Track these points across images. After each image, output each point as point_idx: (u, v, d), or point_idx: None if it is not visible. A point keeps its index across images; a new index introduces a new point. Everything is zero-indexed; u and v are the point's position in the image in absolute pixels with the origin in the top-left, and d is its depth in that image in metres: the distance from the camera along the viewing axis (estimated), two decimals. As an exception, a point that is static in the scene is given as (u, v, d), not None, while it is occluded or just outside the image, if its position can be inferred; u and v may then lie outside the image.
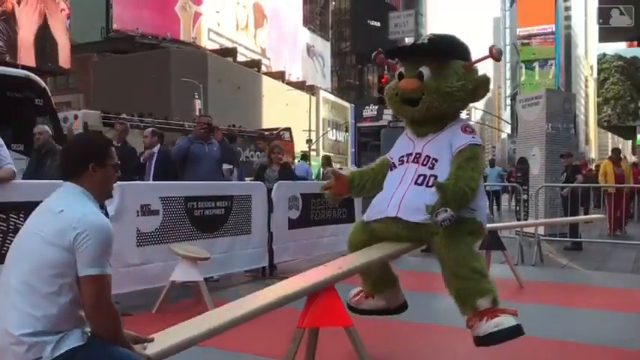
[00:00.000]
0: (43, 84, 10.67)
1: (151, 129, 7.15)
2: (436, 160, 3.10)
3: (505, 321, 2.91)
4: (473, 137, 3.10)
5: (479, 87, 3.17)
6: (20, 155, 7.87)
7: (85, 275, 1.96)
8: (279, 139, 24.77)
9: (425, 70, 3.11)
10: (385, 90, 3.40)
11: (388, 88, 3.35)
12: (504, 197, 17.06)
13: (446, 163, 3.06)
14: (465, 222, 2.97)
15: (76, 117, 17.47)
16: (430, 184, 3.02)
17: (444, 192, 2.85)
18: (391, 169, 3.30)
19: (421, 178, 3.09)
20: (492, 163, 16.17)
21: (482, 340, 2.91)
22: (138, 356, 2.09)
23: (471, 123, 3.30)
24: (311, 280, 2.79)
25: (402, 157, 3.25)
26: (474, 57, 3.27)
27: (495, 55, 3.17)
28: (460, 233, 2.95)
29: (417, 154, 3.18)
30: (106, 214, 4.41)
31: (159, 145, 6.61)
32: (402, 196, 3.07)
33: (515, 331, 2.92)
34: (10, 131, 6.06)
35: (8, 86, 9.78)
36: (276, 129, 28.07)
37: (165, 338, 2.31)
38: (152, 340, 2.24)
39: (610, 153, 12.62)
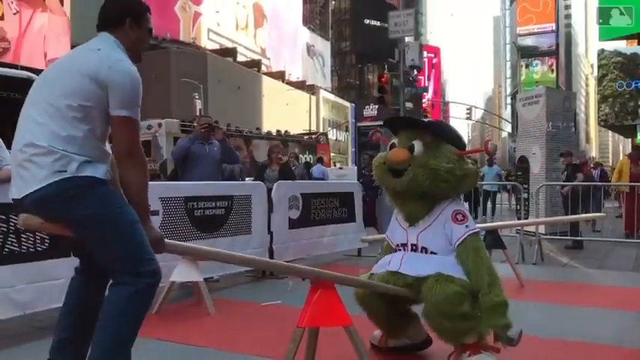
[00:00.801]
0: None
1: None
2: (425, 249, 3.16)
3: None
4: (467, 226, 3.10)
5: (467, 176, 3.17)
6: None
7: (117, 115, 2.07)
8: (317, 142, 27.66)
9: (417, 144, 3.12)
10: (374, 160, 3.38)
11: (378, 157, 3.36)
12: (503, 197, 16.89)
13: (447, 254, 3.10)
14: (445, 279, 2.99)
15: (160, 125, 18.76)
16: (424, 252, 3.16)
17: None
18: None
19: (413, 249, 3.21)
20: (490, 162, 15.97)
21: None
22: (144, 235, 2.16)
23: (461, 208, 3.23)
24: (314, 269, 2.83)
25: (398, 246, 3.29)
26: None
27: (490, 150, 3.24)
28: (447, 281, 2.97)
29: (412, 245, 3.21)
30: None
31: None
32: (402, 257, 3.16)
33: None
34: (12, 133, 6.06)
35: (10, 87, 9.80)
36: (314, 133, 31.42)
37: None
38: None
39: (631, 150, 12.36)
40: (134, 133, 2.11)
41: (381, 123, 3.61)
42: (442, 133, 3.23)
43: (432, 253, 3.13)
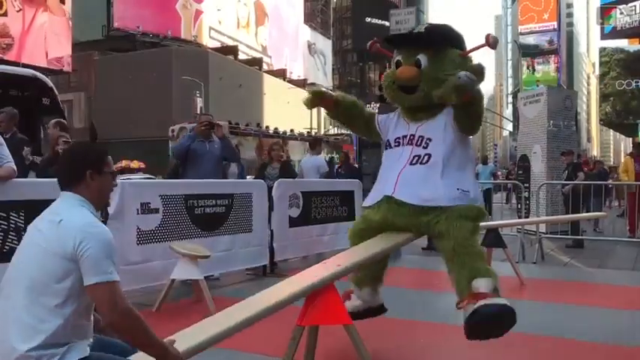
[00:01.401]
0: (50, 83, 10.73)
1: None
2: (430, 140, 3.13)
3: (498, 300, 2.85)
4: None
5: (475, 75, 3.13)
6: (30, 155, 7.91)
7: (91, 284, 1.94)
8: (343, 142, 29.25)
9: (422, 58, 3.12)
10: (383, 77, 3.41)
11: (386, 76, 3.36)
12: (499, 196, 16.65)
13: (440, 142, 3.10)
14: (464, 208, 2.98)
15: None
16: (424, 161, 3.08)
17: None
18: (386, 149, 3.35)
19: (415, 158, 3.13)
20: (485, 160, 15.67)
21: (470, 318, 2.82)
22: None
23: None
24: (310, 281, 2.78)
25: (398, 138, 3.27)
26: (469, 46, 3.29)
27: (491, 42, 3.17)
28: (461, 218, 2.95)
29: (411, 135, 3.21)
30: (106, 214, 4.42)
31: None
32: (398, 177, 3.11)
33: (507, 310, 2.85)
34: (19, 131, 6.11)
35: (16, 85, 9.83)
36: (340, 134, 33.50)
37: (186, 338, 2.28)
38: (173, 341, 2.17)
39: (631, 148, 12.21)
40: (115, 295, 1.96)
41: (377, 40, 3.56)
42: (443, 39, 3.20)
43: (427, 139, 3.12)
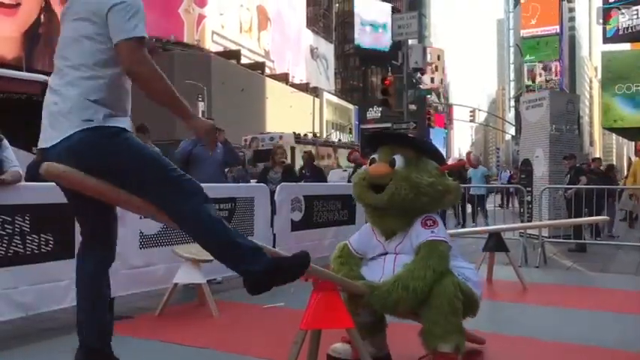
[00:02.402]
0: None
1: None
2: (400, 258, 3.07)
3: None
4: (432, 232, 2.99)
5: (448, 192, 3.11)
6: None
7: (117, 41, 2.15)
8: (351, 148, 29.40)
9: (398, 159, 3.06)
10: (353, 177, 3.31)
11: (356, 175, 3.27)
12: (494, 200, 16.15)
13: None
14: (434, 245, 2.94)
15: (280, 137, 23.01)
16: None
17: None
18: (370, 260, 3.22)
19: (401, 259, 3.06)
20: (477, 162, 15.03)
21: None
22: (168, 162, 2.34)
23: (433, 215, 3.12)
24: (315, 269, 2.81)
25: (374, 257, 3.18)
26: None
27: (473, 162, 3.17)
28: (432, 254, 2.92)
29: (384, 253, 3.14)
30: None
31: None
32: (394, 261, 3.06)
33: None
34: (30, 135, 6.16)
35: (27, 90, 9.96)
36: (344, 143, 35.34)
37: None
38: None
39: (635, 152, 12.02)
40: (138, 50, 2.18)
41: (372, 134, 3.51)
42: (423, 148, 3.19)
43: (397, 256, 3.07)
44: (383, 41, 61.87)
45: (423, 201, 3.03)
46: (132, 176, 2.23)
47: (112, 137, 2.19)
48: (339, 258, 3.26)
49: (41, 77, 10.64)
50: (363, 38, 64.96)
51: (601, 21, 28.00)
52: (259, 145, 25.29)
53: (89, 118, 2.15)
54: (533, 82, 65.83)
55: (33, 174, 5.64)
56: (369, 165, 3.19)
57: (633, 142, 37.73)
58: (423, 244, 2.96)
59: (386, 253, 3.14)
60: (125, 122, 2.28)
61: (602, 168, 13.01)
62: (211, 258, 4.64)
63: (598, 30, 34.05)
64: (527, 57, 65.30)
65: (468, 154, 3.05)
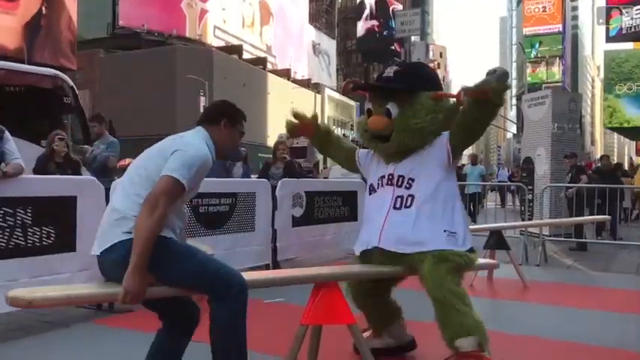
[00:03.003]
0: (71, 82, 10.89)
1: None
2: (412, 180, 3.04)
3: None
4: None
5: (451, 115, 3.07)
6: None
7: (162, 175, 2.25)
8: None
9: (392, 107, 3.04)
10: (356, 124, 3.36)
11: (358, 123, 3.33)
12: (489, 198, 15.95)
13: (423, 181, 3.01)
14: (449, 254, 2.89)
15: None
16: (408, 204, 3.00)
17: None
18: (370, 193, 3.24)
19: (398, 200, 3.04)
20: (474, 160, 14.42)
21: None
22: (218, 262, 2.43)
23: None
24: (317, 270, 2.86)
25: (380, 178, 3.18)
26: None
27: (461, 98, 3.01)
28: (444, 264, 2.86)
29: (389, 175, 3.12)
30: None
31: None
32: (382, 225, 3.03)
33: None
34: (40, 129, 6.20)
35: (38, 84, 10.00)
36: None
37: None
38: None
39: (636, 153, 12.01)
40: (170, 192, 2.24)
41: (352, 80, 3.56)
42: (412, 85, 3.07)
43: (410, 179, 3.03)
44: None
45: (429, 138, 3.06)
46: (179, 280, 2.33)
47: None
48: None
49: (51, 71, 10.69)
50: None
51: (601, 21, 27.92)
52: (293, 143, 25.72)
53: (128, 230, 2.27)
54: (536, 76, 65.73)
55: (37, 168, 5.66)
56: (367, 115, 3.22)
57: (634, 142, 37.76)
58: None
59: (384, 176, 3.14)
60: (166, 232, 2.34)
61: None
62: (212, 252, 4.66)
63: (601, 29, 33.96)
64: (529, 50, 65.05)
65: (460, 92, 2.93)
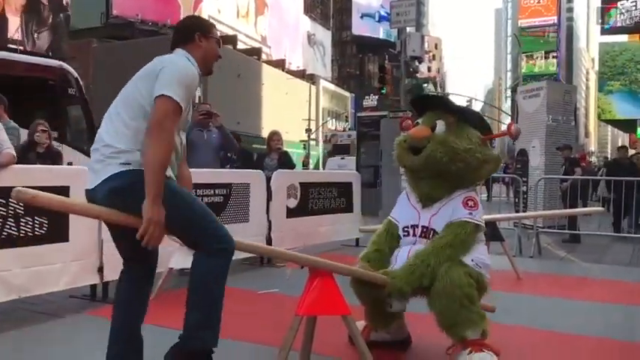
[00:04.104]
0: (76, 74, 10.89)
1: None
2: (436, 232, 3.08)
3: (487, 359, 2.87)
4: (469, 213, 3.04)
5: (487, 162, 3.12)
6: (56, 142, 7.98)
7: (156, 95, 2.22)
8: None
9: (440, 124, 3.10)
10: (396, 139, 3.32)
11: (401, 136, 3.30)
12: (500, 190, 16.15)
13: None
14: (464, 263, 2.96)
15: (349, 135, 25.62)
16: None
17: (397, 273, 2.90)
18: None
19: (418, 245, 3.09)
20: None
21: None
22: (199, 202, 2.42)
23: (474, 195, 3.16)
24: (313, 258, 2.84)
25: (407, 227, 3.19)
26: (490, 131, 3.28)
27: (513, 132, 3.16)
28: (461, 270, 2.92)
29: (423, 227, 3.13)
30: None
31: None
32: (408, 252, 3.06)
33: None
34: (45, 119, 6.18)
35: (43, 75, 9.99)
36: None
37: None
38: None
39: (629, 144, 12.01)
40: (170, 113, 2.21)
41: (401, 111, 3.58)
42: (467, 116, 3.19)
43: (434, 232, 3.07)
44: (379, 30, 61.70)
45: (458, 166, 3.04)
46: (168, 221, 2.29)
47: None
48: (375, 243, 3.32)
49: (56, 62, 10.69)
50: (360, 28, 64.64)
51: (600, 21, 28.00)
52: (338, 141, 30.12)
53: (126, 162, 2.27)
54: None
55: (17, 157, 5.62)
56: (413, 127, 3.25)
57: (628, 134, 37.89)
58: (455, 222, 3.01)
59: (415, 226, 3.15)
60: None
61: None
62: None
63: (595, 15, 33.98)
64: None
65: (510, 124, 3.04)
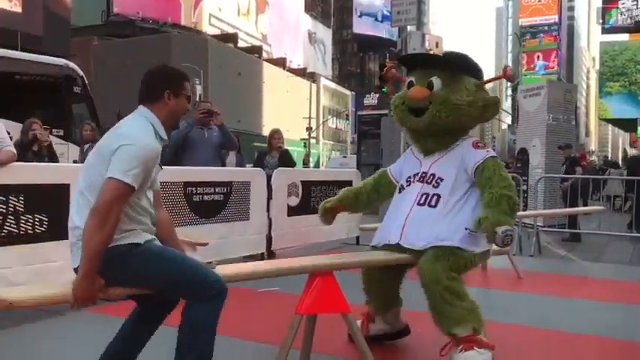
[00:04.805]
0: (81, 72, 10.92)
1: None
2: (441, 180, 3.05)
3: (477, 358, 2.84)
4: (487, 151, 3.07)
5: (488, 106, 3.13)
6: (61, 141, 8.04)
7: (108, 176, 2.10)
8: None
9: (436, 81, 3.06)
10: (392, 99, 3.33)
11: (396, 97, 3.29)
12: None
13: (451, 183, 3.02)
14: (446, 255, 2.89)
15: None
16: (432, 203, 3.00)
17: (489, 210, 2.82)
18: (399, 192, 3.26)
19: (424, 197, 3.05)
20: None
21: None
22: (194, 261, 2.32)
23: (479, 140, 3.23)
24: (312, 261, 2.83)
25: (410, 177, 3.20)
26: (486, 75, 3.25)
27: (509, 75, 3.14)
28: (440, 265, 2.87)
29: (423, 172, 3.13)
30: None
31: None
32: (405, 221, 3.04)
33: None
34: (51, 117, 6.20)
35: (48, 74, 10.03)
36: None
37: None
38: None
39: (630, 144, 12.02)
40: (111, 195, 2.08)
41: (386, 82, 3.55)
42: (460, 66, 3.14)
43: (439, 179, 3.05)
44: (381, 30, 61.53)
45: (463, 121, 3.08)
46: (153, 285, 2.27)
47: (123, 255, 2.20)
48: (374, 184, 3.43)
49: (61, 61, 10.71)
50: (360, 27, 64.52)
51: (601, 21, 27.99)
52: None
53: None
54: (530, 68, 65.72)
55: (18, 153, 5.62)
56: (407, 88, 3.21)
57: (629, 134, 37.87)
58: (486, 161, 2.99)
59: (416, 174, 3.15)
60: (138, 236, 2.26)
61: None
62: (207, 242, 4.64)
63: (597, 20, 33.93)
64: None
65: (505, 67, 3.00)
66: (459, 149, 3.09)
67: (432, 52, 3.45)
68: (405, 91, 3.21)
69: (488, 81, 3.21)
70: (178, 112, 2.37)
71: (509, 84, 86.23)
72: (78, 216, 2.21)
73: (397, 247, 3.05)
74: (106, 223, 2.07)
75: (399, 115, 3.25)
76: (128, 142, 2.13)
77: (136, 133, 2.19)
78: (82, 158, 6.27)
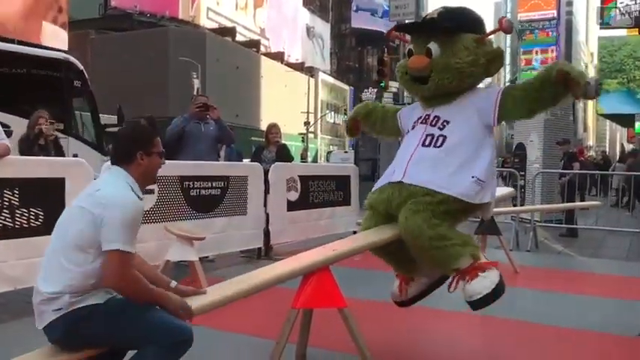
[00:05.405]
0: (81, 66, 10.89)
1: None
2: (447, 122, 3.00)
3: (486, 284, 2.75)
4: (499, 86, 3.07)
5: (492, 60, 3.07)
6: (61, 134, 7.99)
7: (106, 250, 2.14)
8: None
9: (433, 47, 3.01)
10: (396, 67, 3.32)
11: (399, 66, 3.28)
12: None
13: (459, 125, 2.96)
14: (421, 207, 2.81)
15: None
16: (438, 144, 2.94)
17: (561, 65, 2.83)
18: (406, 135, 3.25)
19: (428, 138, 2.99)
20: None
21: (472, 307, 2.82)
22: (161, 312, 2.28)
23: None
24: (305, 262, 2.79)
25: (415, 122, 3.18)
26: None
27: (505, 27, 3.04)
28: (418, 219, 2.79)
29: (426, 115, 3.11)
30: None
31: None
32: (408, 161, 2.98)
33: (498, 293, 2.79)
34: (51, 111, 6.16)
35: (48, 68, 10.00)
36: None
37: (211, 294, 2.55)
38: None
39: (627, 139, 12.07)
40: (124, 266, 2.16)
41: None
42: (456, 25, 3.04)
43: (445, 122, 3.00)
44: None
45: (468, 81, 3.07)
46: (116, 340, 2.27)
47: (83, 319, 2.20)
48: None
49: (61, 54, 10.68)
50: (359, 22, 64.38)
51: (600, 20, 27.97)
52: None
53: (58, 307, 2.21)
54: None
55: (22, 149, 5.59)
56: (408, 57, 3.19)
57: (626, 129, 37.92)
58: (505, 91, 3.03)
59: (419, 117, 3.15)
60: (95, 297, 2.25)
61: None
62: (204, 236, 4.63)
63: (594, 15, 33.91)
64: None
65: (501, 19, 2.93)
66: (466, 100, 3.05)
67: (428, 16, 3.32)
68: (406, 61, 3.20)
69: (486, 35, 3.11)
70: (152, 169, 2.40)
71: (507, 79, 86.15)
72: (45, 282, 2.20)
73: (396, 186, 2.97)
74: (131, 289, 2.18)
75: (405, 85, 3.27)
76: (118, 208, 2.16)
77: (121, 195, 2.22)
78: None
